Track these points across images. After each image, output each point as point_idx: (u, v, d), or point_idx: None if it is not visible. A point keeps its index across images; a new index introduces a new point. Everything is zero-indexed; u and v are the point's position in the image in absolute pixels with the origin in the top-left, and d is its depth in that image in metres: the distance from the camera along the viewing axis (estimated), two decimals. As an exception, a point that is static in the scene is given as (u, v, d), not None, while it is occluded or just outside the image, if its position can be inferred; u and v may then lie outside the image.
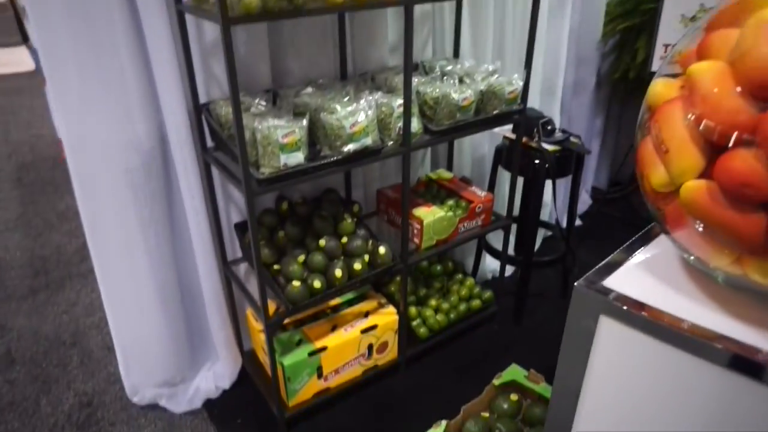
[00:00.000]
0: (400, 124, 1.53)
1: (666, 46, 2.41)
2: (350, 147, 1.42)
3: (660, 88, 0.65)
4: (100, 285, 1.70)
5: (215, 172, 1.67)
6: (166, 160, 1.64)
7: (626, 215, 3.07)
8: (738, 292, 0.66)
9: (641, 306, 0.65)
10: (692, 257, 0.65)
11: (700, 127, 0.55)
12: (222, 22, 1.12)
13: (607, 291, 0.68)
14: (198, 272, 1.77)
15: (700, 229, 0.59)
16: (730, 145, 0.53)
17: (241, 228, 1.80)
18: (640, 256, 0.76)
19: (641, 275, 0.72)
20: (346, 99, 1.50)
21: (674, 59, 0.67)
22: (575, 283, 0.69)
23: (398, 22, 1.87)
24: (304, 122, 1.36)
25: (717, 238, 0.57)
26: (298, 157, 1.36)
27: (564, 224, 2.64)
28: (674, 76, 0.67)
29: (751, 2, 0.56)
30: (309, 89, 1.60)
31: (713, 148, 0.55)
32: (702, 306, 0.65)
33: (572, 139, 2.13)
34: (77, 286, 2.54)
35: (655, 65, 2.45)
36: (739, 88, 0.52)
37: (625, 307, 0.66)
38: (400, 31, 1.87)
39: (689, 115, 0.57)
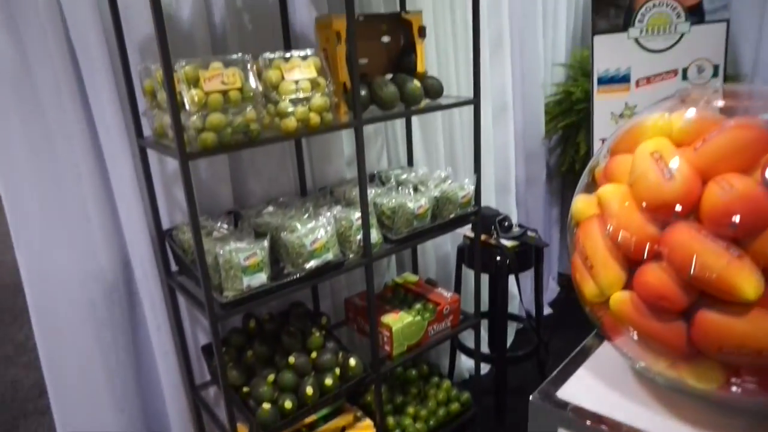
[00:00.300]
0: (360, 236, 1.58)
1: (602, 140, 2.60)
2: (312, 263, 1.45)
3: (581, 205, 0.71)
4: (57, 423, 1.60)
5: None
6: (129, 287, 1.63)
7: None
8: (683, 396, 0.68)
9: (599, 419, 0.67)
10: (637, 364, 0.68)
11: (619, 239, 0.61)
12: (180, 159, 1.18)
13: (563, 404, 0.69)
14: (164, 400, 1.70)
15: (635, 337, 0.62)
16: (644, 258, 0.58)
17: (208, 350, 1.76)
18: (591, 361, 0.78)
19: (593, 382, 0.74)
20: (305, 216, 1.56)
21: (591, 177, 0.75)
22: (530, 397, 0.71)
23: (353, 136, 1.98)
24: (265, 243, 1.40)
25: (649, 345, 0.61)
26: (260, 278, 1.38)
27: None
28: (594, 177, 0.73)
29: (639, 132, 0.65)
30: (270, 208, 1.65)
31: (631, 262, 0.60)
32: (652, 411, 0.67)
33: (529, 233, 2.22)
34: (32, 426, 2.38)
35: (597, 158, 2.63)
36: (640, 208, 0.58)
37: (587, 422, 0.67)
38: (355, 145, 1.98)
39: (608, 228, 0.63)
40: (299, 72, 1.32)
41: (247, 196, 1.81)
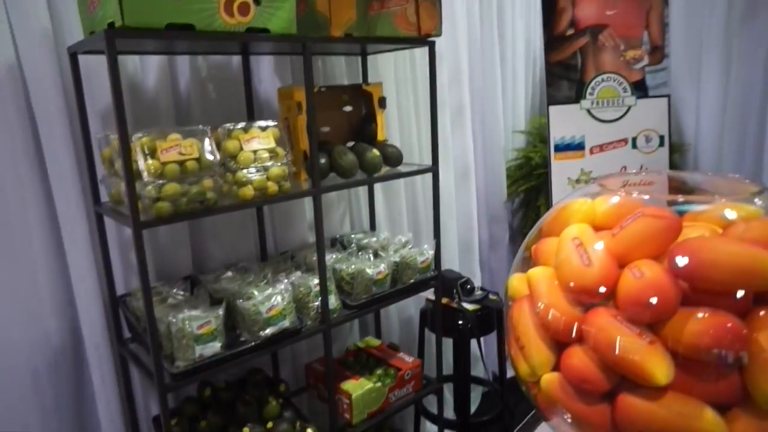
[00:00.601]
0: (319, 302, 1.57)
1: (562, 204, 2.69)
2: (268, 331, 1.43)
3: (516, 283, 0.73)
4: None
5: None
6: (77, 354, 1.57)
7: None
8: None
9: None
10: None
11: (547, 320, 0.63)
12: (134, 228, 1.17)
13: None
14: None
15: (567, 418, 0.63)
16: (570, 340, 0.60)
17: (159, 422, 1.68)
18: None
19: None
20: (263, 282, 1.55)
21: (528, 253, 0.78)
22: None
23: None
24: (220, 311, 1.38)
25: (580, 426, 0.62)
26: (214, 347, 1.35)
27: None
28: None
29: (565, 216, 0.68)
30: (229, 273, 1.64)
31: (559, 344, 0.62)
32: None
33: (491, 296, 2.24)
34: (-33, 507, 2.20)
35: (556, 221, 2.72)
36: (564, 292, 0.61)
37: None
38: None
39: (538, 307, 0.65)
40: (258, 142, 1.36)
41: (206, 260, 1.80)
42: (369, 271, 1.67)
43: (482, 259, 2.85)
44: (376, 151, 1.69)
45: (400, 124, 2.26)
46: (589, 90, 2.60)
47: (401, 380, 1.89)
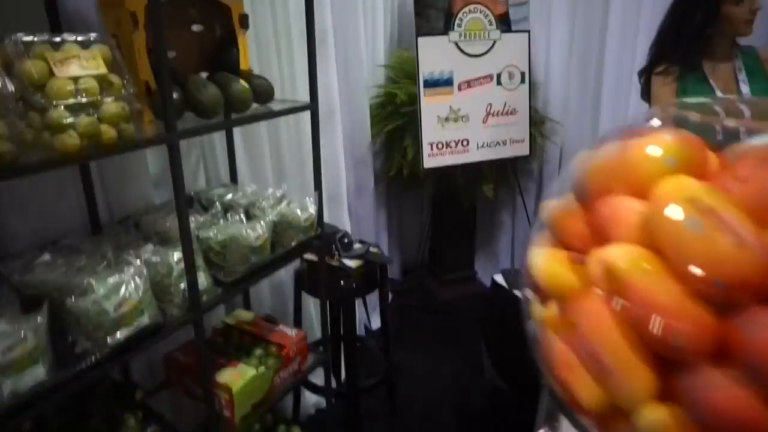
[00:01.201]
0: (184, 284, 1.20)
1: (431, 144, 2.56)
2: (119, 335, 1.03)
3: (557, 270, 0.51)
4: None
5: None
6: None
7: (425, 302, 3.12)
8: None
9: None
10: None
11: (655, 332, 0.41)
12: None
13: None
14: None
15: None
16: (690, 359, 0.39)
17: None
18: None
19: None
20: (103, 265, 1.13)
21: (547, 223, 0.55)
22: None
23: (159, 150, 1.56)
24: (39, 319, 0.94)
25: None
26: (36, 374, 0.92)
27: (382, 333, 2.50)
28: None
29: (629, 164, 0.46)
30: (46, 257, 1.16)
31: (665, 362, 0.41)
32: None
33: (372, 249, 2.04)
34: None
35: (426, 162, 2.59)
36: (689, 287, 0.40)
37: None
38: (164, 161, 1.56)
39: (626, 305, 0.43)
40: (79, 65, 0.91)
41: (8, 240, 1.27)
42: (246, 235, 1.33)
43: (349, 207, 2.63)
44: (244, 83, 1.31)
45: (258, 53, 1.86)
46: (456, 21, 2.44)
47: (288, 359, 1.61)
